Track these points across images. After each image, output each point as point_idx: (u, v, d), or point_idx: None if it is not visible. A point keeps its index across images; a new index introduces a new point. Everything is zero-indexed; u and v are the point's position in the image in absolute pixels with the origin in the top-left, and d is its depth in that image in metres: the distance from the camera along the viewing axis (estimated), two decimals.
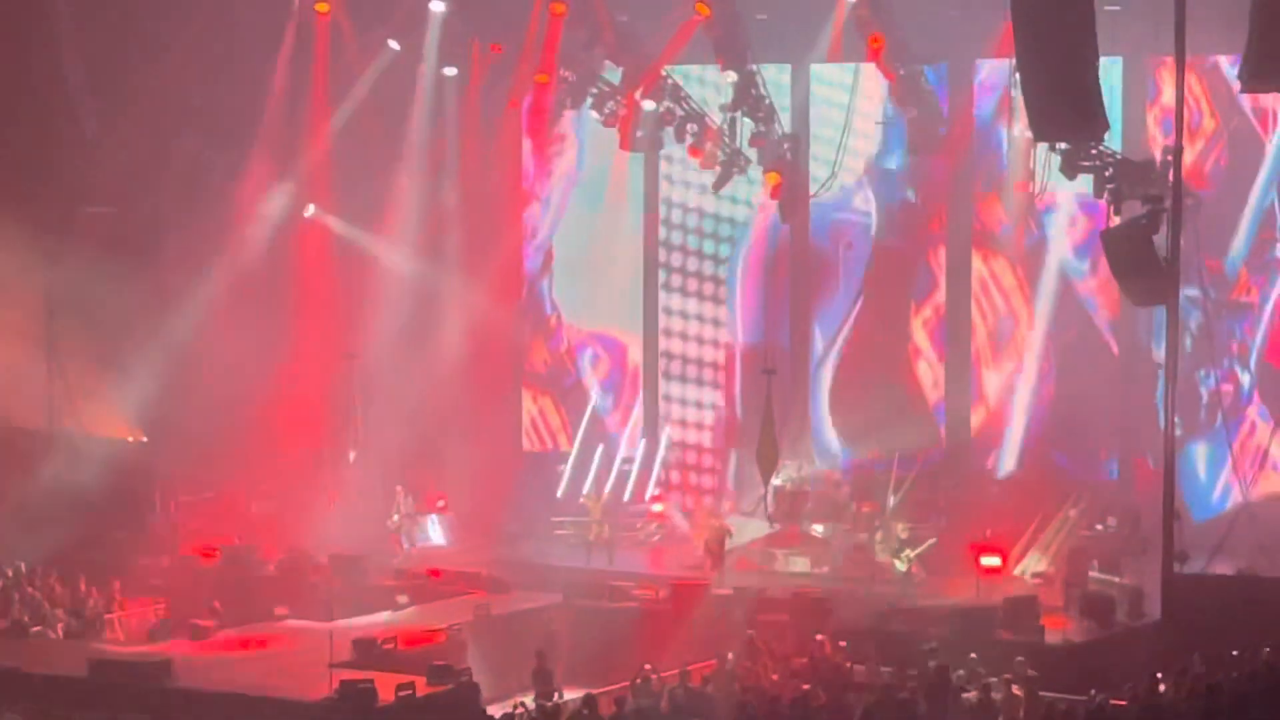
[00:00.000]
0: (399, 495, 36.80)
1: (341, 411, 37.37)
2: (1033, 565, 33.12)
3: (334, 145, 38.50)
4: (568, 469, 39.07)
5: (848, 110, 37.38)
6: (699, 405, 39.87)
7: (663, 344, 39.99)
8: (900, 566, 32.98)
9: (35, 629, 30.42)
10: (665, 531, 37.14)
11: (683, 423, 39.90)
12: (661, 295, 39.97)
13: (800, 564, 33.76)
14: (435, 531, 37.55)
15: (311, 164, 38.70)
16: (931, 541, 33.40)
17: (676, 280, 39.93)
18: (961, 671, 25.32)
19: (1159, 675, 24.67)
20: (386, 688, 24.74)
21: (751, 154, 36.94)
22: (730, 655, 26.59)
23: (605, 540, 35.14)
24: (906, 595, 31.24)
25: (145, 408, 36.50)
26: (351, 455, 37.76)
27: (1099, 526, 33.51)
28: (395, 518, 36.73)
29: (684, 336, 39.91)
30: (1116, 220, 31.24)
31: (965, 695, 24.69)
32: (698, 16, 35.08)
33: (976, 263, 37.56)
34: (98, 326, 34.86)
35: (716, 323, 39.74)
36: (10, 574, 32.35)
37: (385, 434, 37.99)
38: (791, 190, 37.11)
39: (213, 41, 35.89)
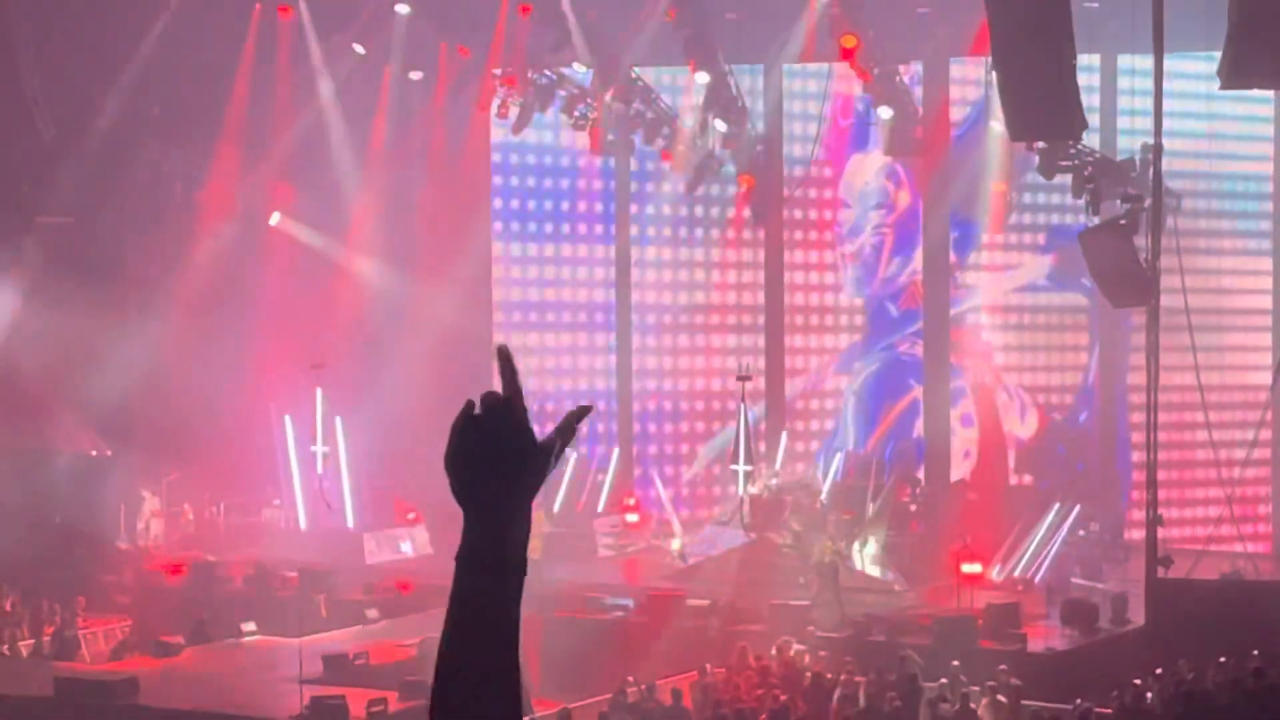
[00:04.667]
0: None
1: (309, 421, 36.87)
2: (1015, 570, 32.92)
3: (299, 152, 38.04)
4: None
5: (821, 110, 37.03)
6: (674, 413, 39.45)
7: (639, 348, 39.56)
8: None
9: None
10: (642, 543, 36.67)
11: (658, 431, 39.49)
12: (635, 295, 39.51)
13: (777, 573, 33.32)
14: (406, 544, 37.09)
15: (276, 171, 38.24)
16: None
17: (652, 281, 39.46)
18: (944, 680, 25.04)
19: (1144, 682, 24.47)
20: (358, 704, 24.49)
21: (724, 155, 36.56)
22: (709, 666, 26.25)
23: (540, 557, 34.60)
24: (887, 604, 30.92)
25: (109, 421, 36.02)
26: (319, 467, 37.27)
27: (1081, 532, 33.17)
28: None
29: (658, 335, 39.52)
30: (1095, 220, 30.98)
31: (944, 704, 24.48)
32: (667, 18, 34.67)
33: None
34: (58, 338, 34.33)
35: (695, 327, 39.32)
36: None
37: (354, 445, 37.55)
38: (764, 192, 36.74)
39: (174, 47, 35.43)
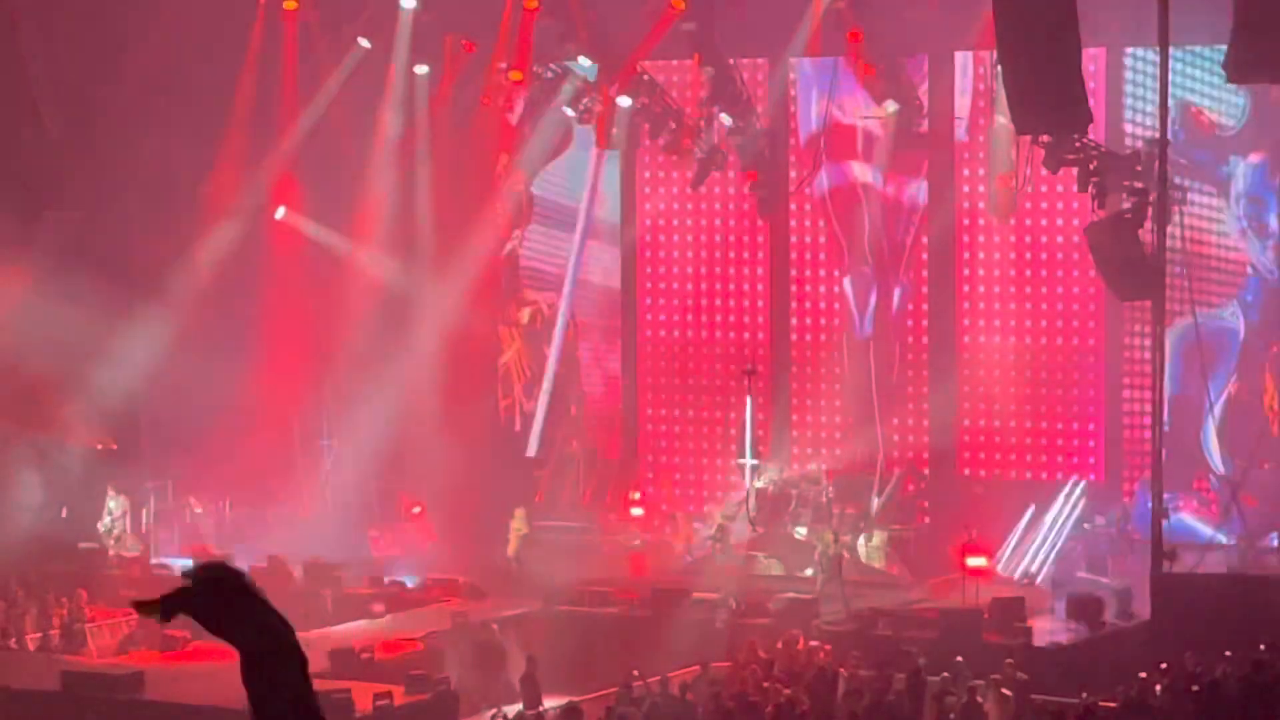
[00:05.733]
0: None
1: (315, 416, 36.91)
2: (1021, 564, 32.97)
3: (304, 146, 38.07)
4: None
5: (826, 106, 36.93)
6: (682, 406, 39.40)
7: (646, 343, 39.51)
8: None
9: (4, 642, 30.00)
10: (647, 537, 36.59)
11: (666, 424, 39.46)
12: (641, 289, 39.47)
13: (783, 567, 33.36)
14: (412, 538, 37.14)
15: (281, 165, 38.24)
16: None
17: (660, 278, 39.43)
18: (945, 674, 25.07)
19: (1149, 675, 24.47)
20: (364, 697, 24.52)
21: (730, 149, 36.54)
22: (712, 663, 26.30)
23: (522, 559, 34.49)
24: (892, 597, 30.96)
25: (115, 414, 36.03)
26: (326, 461, 37.32)
27: (1087, 526, 33.18)
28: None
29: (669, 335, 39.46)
30: (1101, 214, 30.99)
31: (949, 698, 24.50)
32: (673, 11, 34.67)
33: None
34: (65, 332, 34.35)
35: (700, 320, 39.26)
36: None
37: (360, 438, 37.58)
38: (770, 186, 36.72)
39: (179, 40, 35.44)
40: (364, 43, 37.49)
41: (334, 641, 28.25)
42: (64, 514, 34.76)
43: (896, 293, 37.07)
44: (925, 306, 36.94)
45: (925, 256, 36.90)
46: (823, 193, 37.52)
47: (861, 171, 37.04)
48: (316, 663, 26.00)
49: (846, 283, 37.41)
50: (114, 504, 35.81)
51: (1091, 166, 30.85)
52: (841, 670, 26.00)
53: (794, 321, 38.15)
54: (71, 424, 36.11)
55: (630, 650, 27.77)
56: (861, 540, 33.49)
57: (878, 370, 36.46)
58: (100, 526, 35.55)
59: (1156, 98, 29.63)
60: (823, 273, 38.03)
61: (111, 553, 35.10)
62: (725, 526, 34.17)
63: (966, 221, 36.62)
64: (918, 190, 36.71)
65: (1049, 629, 28.98)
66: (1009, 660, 25.56)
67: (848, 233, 37.20)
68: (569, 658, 28.44)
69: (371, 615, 31.51)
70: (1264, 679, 23.25)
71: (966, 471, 36.44)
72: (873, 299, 37.00)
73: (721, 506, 35.69)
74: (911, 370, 37.08)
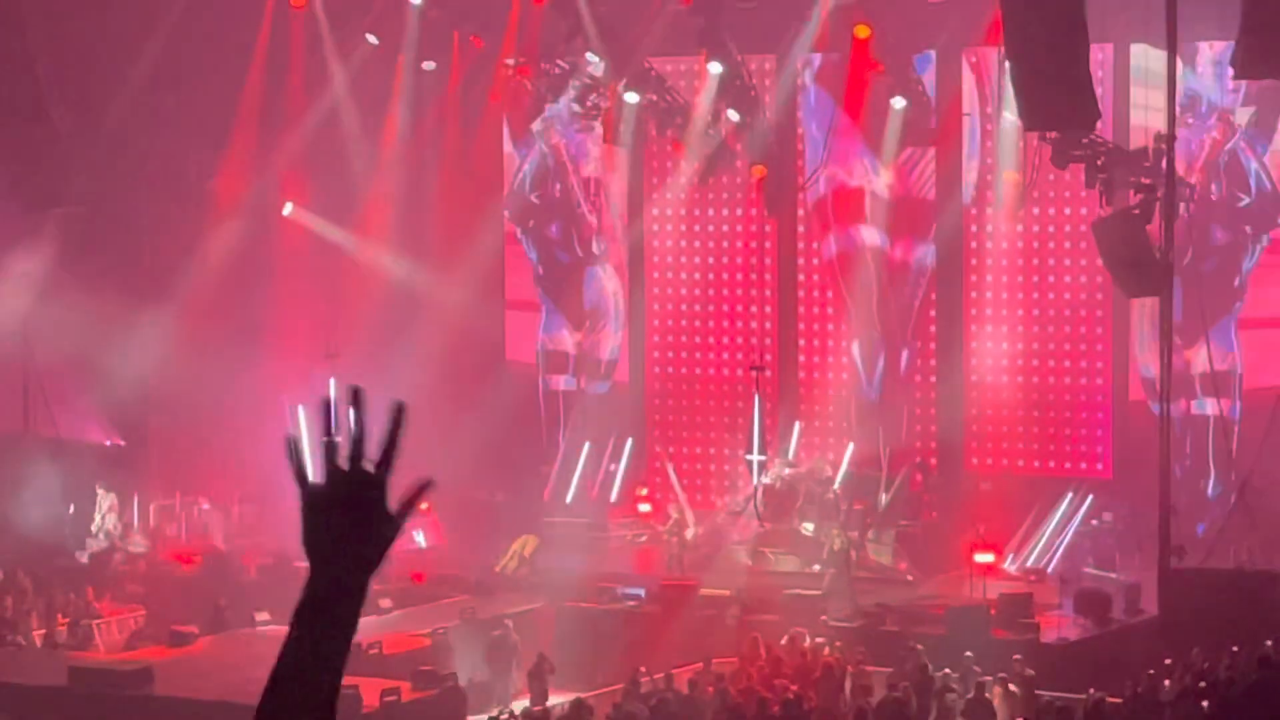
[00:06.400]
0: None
1: (322, 412, 36.89)
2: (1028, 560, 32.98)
3: (312, 142, 38.07)
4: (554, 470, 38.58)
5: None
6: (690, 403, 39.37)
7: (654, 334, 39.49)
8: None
9: (12, 638, 30.02)
10: (651, 533, 36.59)
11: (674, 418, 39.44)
12: (648, 285, 39.43)
13: (790, 563, 33.38)
14: (419, 534, 37.08)
15: (289, 161, 38.26)
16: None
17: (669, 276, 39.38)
18: (947, 670, 25.12)
19: (1157, 671, 24.50)
20: (371, 693, 24.51)
21: (737, 145, 36.54)
22: (715, 660, 26.34)
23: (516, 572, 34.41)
24: (899, 594, 30.98)
25: (123, 410, 36.05)
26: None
27: (1094, 522, 33.17)
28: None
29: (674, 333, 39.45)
30: (1108, 210, 30.97)
31: (951, 694, 24.55)
32: (680, 6, 34.66)
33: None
34: (73, 328, 34.38)
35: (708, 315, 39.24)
36: None
37: (367, 434, 37.51)
38: (777, 183, 36.70)
39: (187, 36, 35.47)
40: (372, 39, 37.50)
41: None
42: (71, 510, 34.76)
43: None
44: (932, 335, 36.98)
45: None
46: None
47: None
48: None
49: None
50: (104, 502, 35.82)
51: (1099, 163, 30.82)
52: (849, 667, 26.03)
53: (801, 310, 38.16)
54: (80, 420, 36.15)
55: (637, 647, 27.80)
56: (869, 536, 33.48)
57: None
58: (93, 527, 35.52)
59: (1164, 93, 29.61)
60: (828, 283, 38.04)
61: (118, 550, 35.11)
62: (680, 522, 34.36)
63: (974, 211, 36.60)
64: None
65: (1057, 625, 28.99)
66: (1017, 656, 25.59)
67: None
68: (576, 654, 28.46)
69: (379, 611, 31.51)
70: (1270, 675, 23.25)
71: (974, 460, 36.43)
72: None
73: (677, 505, 35.82)
74: (920, 376, 37.10)
